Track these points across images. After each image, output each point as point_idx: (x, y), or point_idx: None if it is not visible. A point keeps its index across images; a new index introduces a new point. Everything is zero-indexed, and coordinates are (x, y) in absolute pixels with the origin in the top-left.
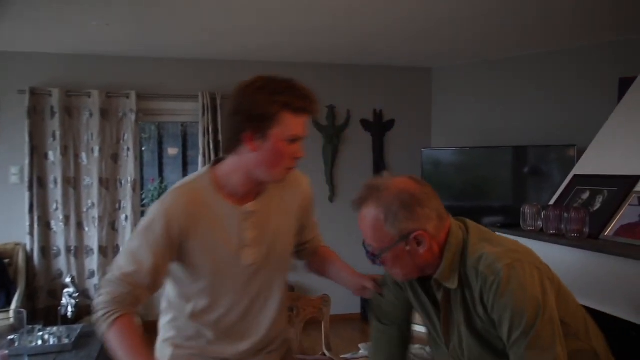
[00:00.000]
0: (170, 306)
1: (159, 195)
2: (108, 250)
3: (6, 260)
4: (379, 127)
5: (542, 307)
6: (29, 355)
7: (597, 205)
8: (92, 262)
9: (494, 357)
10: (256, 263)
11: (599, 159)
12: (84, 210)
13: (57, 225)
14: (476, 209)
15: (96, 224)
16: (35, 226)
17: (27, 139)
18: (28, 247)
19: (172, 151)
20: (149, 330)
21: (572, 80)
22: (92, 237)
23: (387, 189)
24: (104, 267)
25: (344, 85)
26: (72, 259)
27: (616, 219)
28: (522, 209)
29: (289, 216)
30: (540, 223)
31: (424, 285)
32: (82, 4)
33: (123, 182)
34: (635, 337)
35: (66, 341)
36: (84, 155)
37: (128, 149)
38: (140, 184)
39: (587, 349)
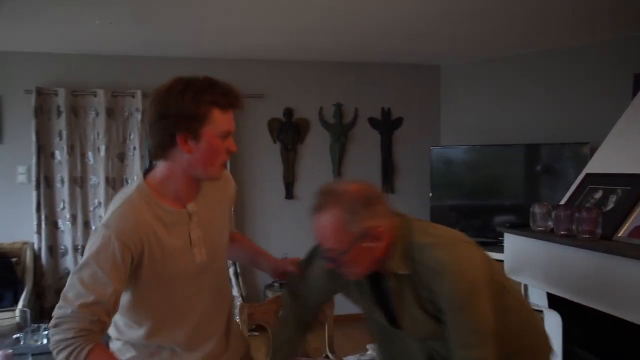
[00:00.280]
0: (121, 332)
1: None
2: None
3: (14, 259)
4: (387, 125)
5: (475, 287)
6: (33, 354)
7: (611, 205)
8: None
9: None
10: (205, 261)
11: (613, 157)
12: (91, 209)
13: (64, 224)
14: (487, 208)
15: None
16: (43, 225)
17: (33, 138)
18: (35, 246)
19: None
20: None
21: (586, 76)
22: None
23: (345, 191)
24: None
25: (352, 83)
26: (80, 258)
27: (630, 219)
28: (531, 209)
29: (224, 211)
30: (550, 223)
31: (369, 279)
32: (85, 4)
33: (129, 181)
34: None
35: None
36: (90, 154)
37: (134, 148)
38: None
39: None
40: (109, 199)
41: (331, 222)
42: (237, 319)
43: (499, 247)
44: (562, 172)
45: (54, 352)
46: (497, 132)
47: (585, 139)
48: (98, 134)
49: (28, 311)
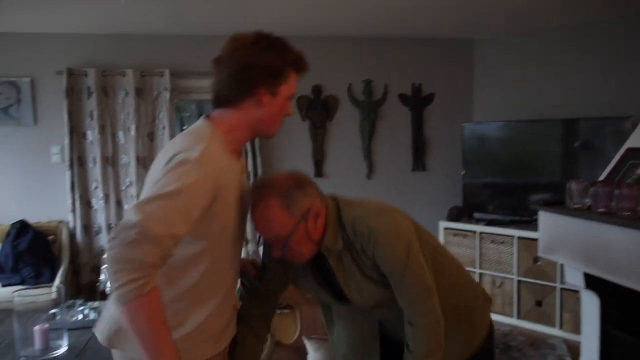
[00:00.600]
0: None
1: None
2: None
3: (50, 237)
4: (417, 101)
5: (410, 247)
6: (68, 330)
7: None
8: None
9: (392, 293)
10: (247, 216)
11: None
12: (123, 188)
13: (97, 203)
14: (521, 186)
15: (134, 202)
16: (77, 204)
17: (65, 119)
18: (71, 225)
19: None
20: None
21: (627, 47)
22: None
23: (276, 180)
24: None
25: (381, 59)
26: None
27: None
28: (568, 185)
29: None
30: (588, 200)
31: (312, 261)
32: None
33: None
34: None
35: None
36: (120, 134)
37: (163, 127)
38: None
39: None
40: (139, 178)
41: (271, 211)
42: None
43: (534, 226)
44: (601, 148)
45: (116, 267)
46: (533, 107)
47: (626, 112)
48: (128, 113)
49: (63, 288)
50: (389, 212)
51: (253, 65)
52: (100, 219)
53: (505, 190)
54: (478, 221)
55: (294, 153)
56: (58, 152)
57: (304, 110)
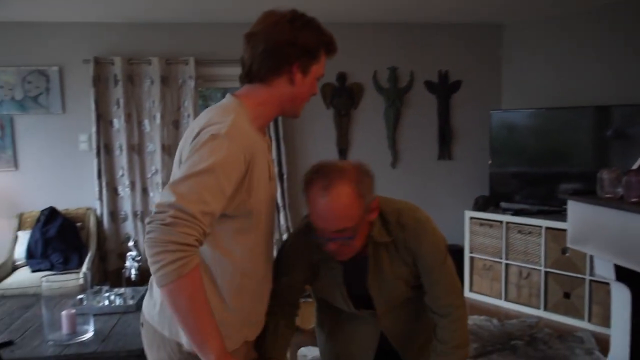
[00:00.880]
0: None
1: None
2: None
3: (78, 224)
4: (444, 88)
5: (445, 241)
6: (94, 315)
7: None
8: None
9: (411, 290)
10: (274, 198)
11: None
12: (148, 176)
13: (123, 190)
14: (551, 175)
15: (160, 190)
16: (104, 191)
17: (93, 107)
18: (98, 212)
19: None
20: None
21: None
22: None
23: (343, 167)
24: None
25: (407, 45)
26: (139, 224)
27: None
28: (599, 174)
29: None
30: (620, 190)
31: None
32: None
33: None
34: None
35: (131, 302)
36: (146, 122)
37: (188, 115)
38: None
39: None
40: (165, 166)
41: (345, 199)
42: None
43: (563, 216)
44: (635, 137)
45: (156, 249)
46: (564, 93)
47: None
48: (153, 102)
49: (89, 274)
50: (421, 210)
51: (290, 43)
52: (126, 206)
53: (533, 180)
54: (505, 211)
55: (318, 141)
56: (86, 140)
57: (328, 98)
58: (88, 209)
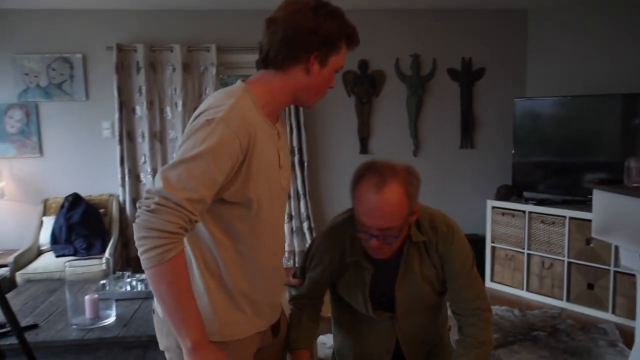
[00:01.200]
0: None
1: None
2: None
3: (101, 210)
4: (467, 76)
5: (474, 254)
6: (116, 300)
7: None
8: None
9: (435, 295)
10: (286, 187)
11: None
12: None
13: (145, 177)
14: (576, 165)
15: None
16: (126, 178)
17: (115, 94)
18: (120, 198)
19: None
20: None
21: None
22: None
23: (398, 168)
24: None
25: (430, 32)
26: None
27: None
28: (626, 163)
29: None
30: None
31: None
32: None
33: None
34: None
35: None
36: (168, 109)
37: None
38: None
39: None
40: None
41: (397, 197)
42: None
43: (587, 206)
44: None
45: (140, 234)
46: (591, 81)
47: None
48: (175, 89)
49: (111, 260)
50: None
51: (311, 31)
52: None
53: (557, 170)
54: (528, 201)
55: (339, 129)
56: (109, 127)
57: (349, 85)
58: (111, 195)
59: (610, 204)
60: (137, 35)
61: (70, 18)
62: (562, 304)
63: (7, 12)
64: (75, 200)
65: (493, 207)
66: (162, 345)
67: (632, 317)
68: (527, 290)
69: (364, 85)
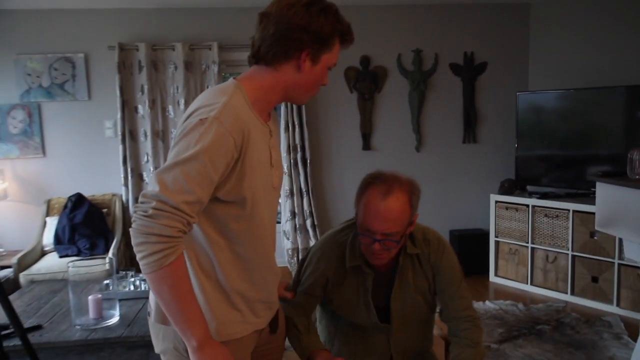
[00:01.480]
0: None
1: None
2: None
3: (104, 210)
4: (469, 70)
5: (462, 270)
6: (120, 300)
7: None
8: None
9: (427, 308)
10: (278, 186)
11: None
12: None
13: (148, 176)
14: (580, 158)
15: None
16: (129, 177)
17: (118, 93)
18: (123, 198)
19: None
20: None
21: None
22: None
23: (404, 179)
24: None
25: (431, 27)
26: None
27: None
28: (629, 155)
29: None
30: None
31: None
32: None
33: None
34: None
35: None
36: (170, 108)
37: None
38: None
39: None
40: None
41: (400, 205)
42: None
43: (591, 200)
44: None
45: (138, 239)
46: (594, 74)
47: None
48: (177, 87)
49: (115, 259)
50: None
51: (302, 27)
52: None
53: (561, 163)
54: (531, 194)
55: (342, 125)
56: (111, 127)
57: (351, 81)
58: (114, 194)
59: (614, 196)
60: (138, 34)
61: (72, 18)
62: (567, 297)
63: (9, 12)
64: (78, 200)
65: (496, 202)
66: (157, 348)
67: (637, 309)
68: (532, 284)
69: (366, 81)
